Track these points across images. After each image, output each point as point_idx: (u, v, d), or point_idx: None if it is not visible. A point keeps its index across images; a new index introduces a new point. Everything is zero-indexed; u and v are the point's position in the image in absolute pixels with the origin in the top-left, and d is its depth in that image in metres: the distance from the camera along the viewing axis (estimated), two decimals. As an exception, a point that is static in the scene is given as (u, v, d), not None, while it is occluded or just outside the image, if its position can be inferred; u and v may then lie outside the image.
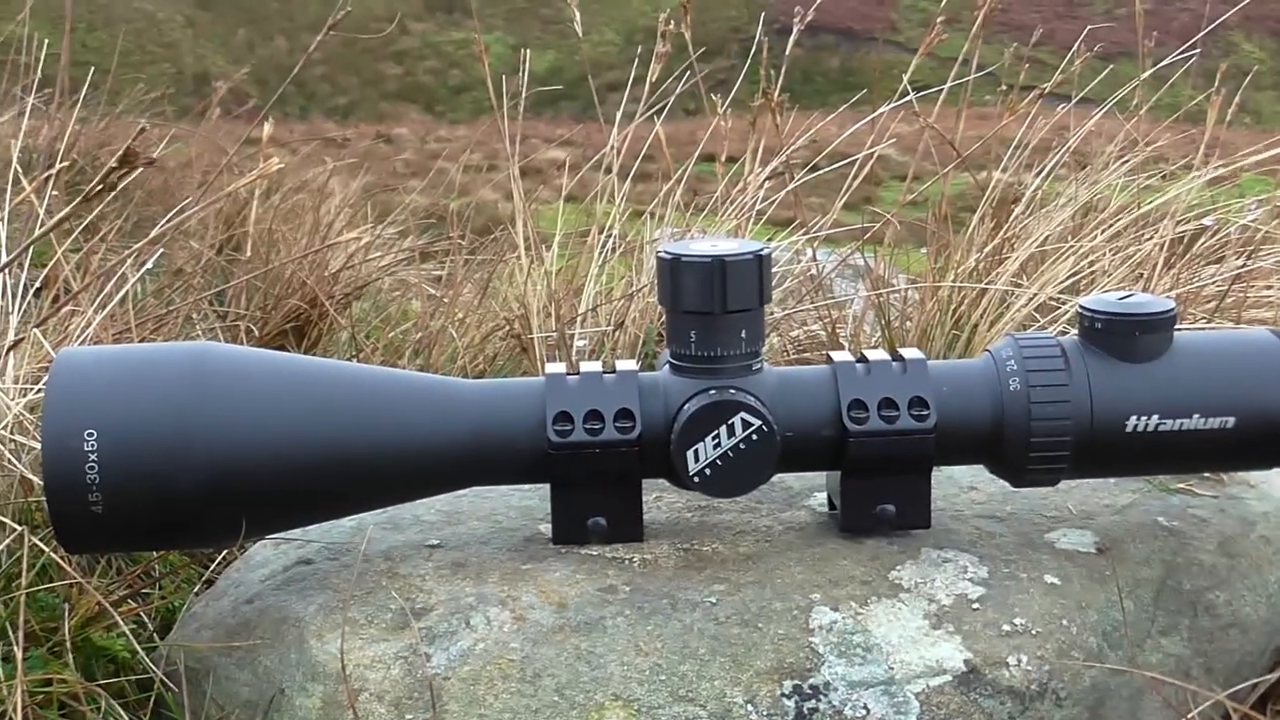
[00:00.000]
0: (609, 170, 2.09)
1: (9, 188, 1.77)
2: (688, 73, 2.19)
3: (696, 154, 2.26)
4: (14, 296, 1.57)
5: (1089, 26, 2.33)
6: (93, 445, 1.02)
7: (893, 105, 2.11)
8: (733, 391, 1.10)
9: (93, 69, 2.54)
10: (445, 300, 2.30)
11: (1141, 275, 1.90)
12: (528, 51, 2.21)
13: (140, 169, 1.21)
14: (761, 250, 1.11)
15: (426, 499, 1.23)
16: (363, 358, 2.07)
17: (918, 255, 2.21)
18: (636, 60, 2.18)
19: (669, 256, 1.11)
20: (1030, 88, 2.21)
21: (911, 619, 1.07)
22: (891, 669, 1.03)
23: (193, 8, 29.36)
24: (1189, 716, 1.06)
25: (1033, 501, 1.25)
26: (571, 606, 1.08)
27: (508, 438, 1.11)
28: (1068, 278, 1.83)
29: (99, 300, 1.66)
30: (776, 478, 1.18)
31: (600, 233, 2.08)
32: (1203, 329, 1.68)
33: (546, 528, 1.20)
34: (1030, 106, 2.15)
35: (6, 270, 1.56)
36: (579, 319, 1.91)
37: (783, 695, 1.01)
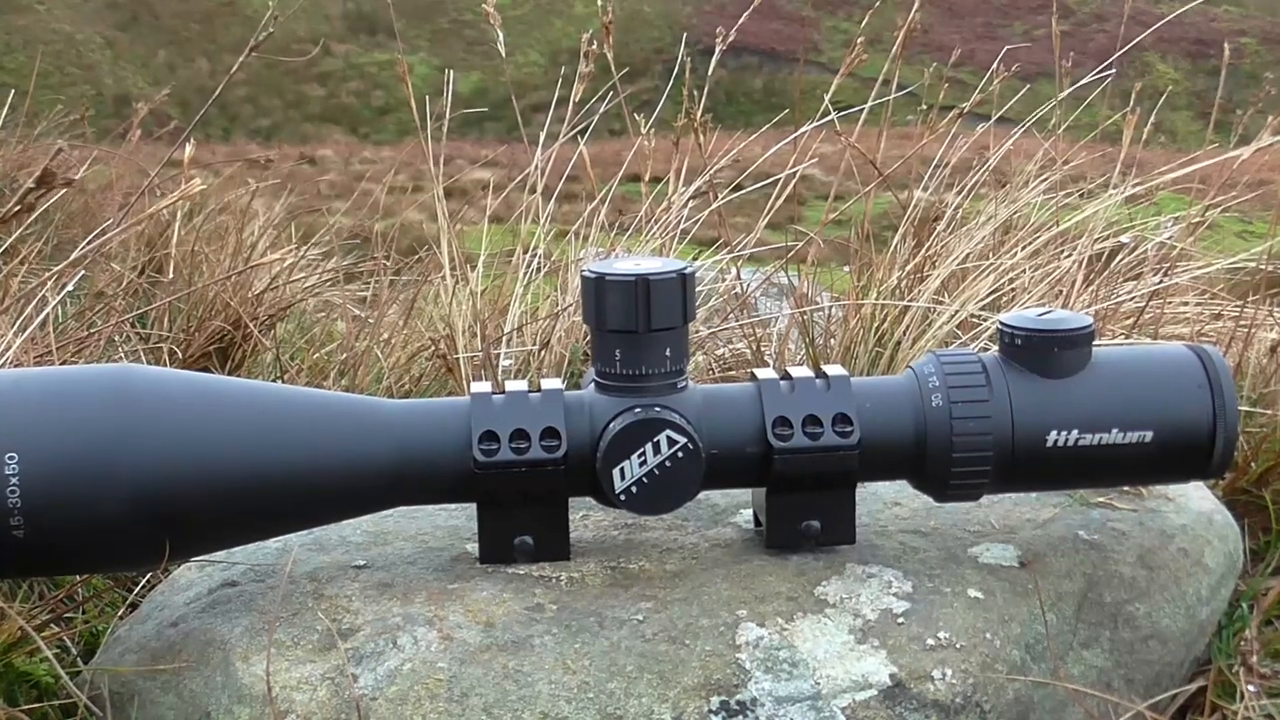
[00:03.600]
0: (534, 191, 2.09)
1: (-73, 210, 1.75)
2: (611, 93, 2.20)
3: (621, 174, 2.27)
4: (-68, 319, 1.56)
5: (1007, 47, 2.36)
6: (14, 468, 1.01)
7: (815, 125, 2.12)
8: (658, 409, 1.10)
9: (11, 91, 2.51)
10: (370, 321, 2.29)
11: (1060, 292, 1.92)
12: (451, 73, 2.21)
13: (59, 190, 1.21)
14: (685, 269, 1.11)
15: (353, 519, 1.23)
16: (287, 379, 2.06)
17: (841, 273, 2.23)
18: (560, 81, 2.19)
19: (593, 275, 1.11)
20: (950, 107, 2.24)
21: (837, 634, 1.07)
22: (818, 684, 1.03)
23: (112, 29, 29.11)
24: (1111, 727, 1.07)
25: (956, 516, 1.26)
26: (499, 625, 1.08)
27: (433, 457, 1.11)
28: (988, 295, 1.85)
29: (19, 323, 1.65)
30: (702, 495, 1.19)
31: (525, 253, 2.08)
32: (1121, 345, 1.70)
33: (473, 547, 1.20)
34: (950, 126, 2.18)
35: (-76, 293, 1.54)
36: (504, 339, 1.91)
37: (710, 712, 1.01)
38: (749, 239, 2.16)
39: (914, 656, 1.06)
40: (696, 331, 2.00)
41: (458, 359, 1.86)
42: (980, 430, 1.12)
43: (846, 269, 2.10)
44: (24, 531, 1.02)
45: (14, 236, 1.81)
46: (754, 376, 1.16)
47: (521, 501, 1.14)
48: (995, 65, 2.29)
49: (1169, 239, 2.19)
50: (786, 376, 1.15)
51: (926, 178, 2.16)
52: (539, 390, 1.13)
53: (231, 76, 1.92)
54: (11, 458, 1.01)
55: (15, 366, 1.53)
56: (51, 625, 1.24)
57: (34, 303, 1.69)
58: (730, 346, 2.08)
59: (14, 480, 1.01)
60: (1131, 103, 2.30)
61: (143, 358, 2.00)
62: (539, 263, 2.09)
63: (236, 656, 1.07)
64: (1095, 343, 1.15)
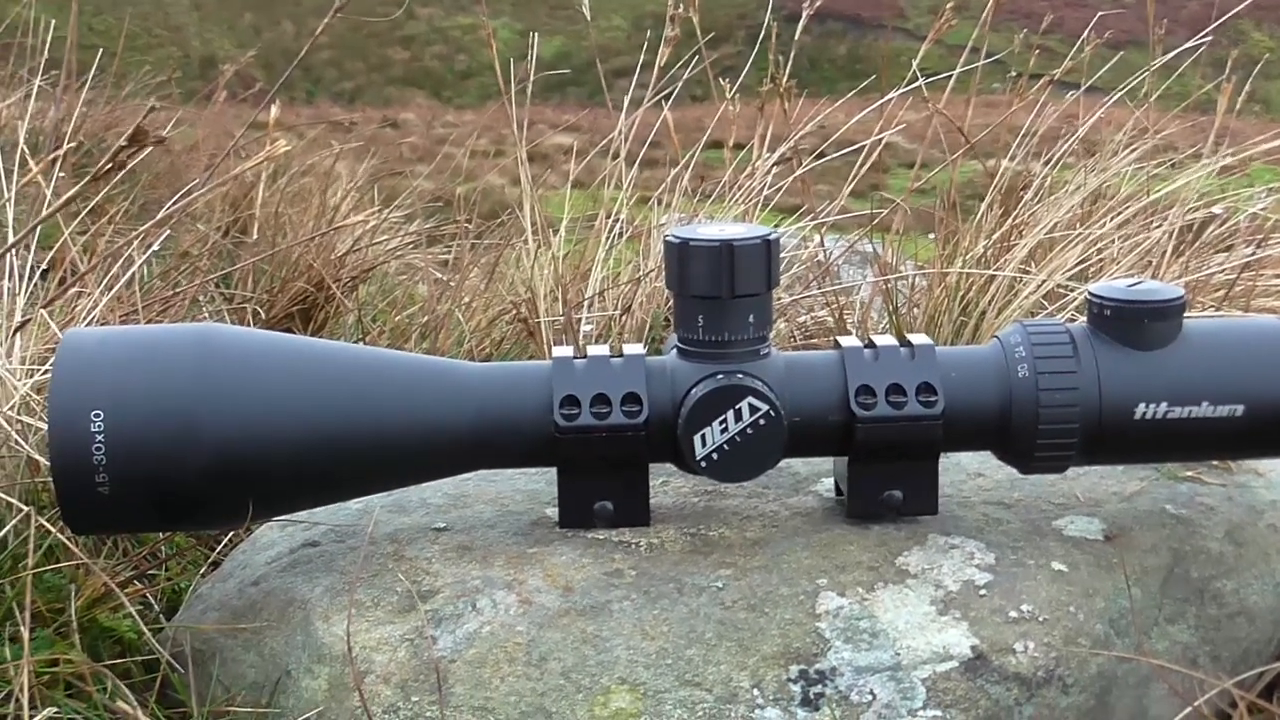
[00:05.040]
0: (616, 156, 2.09)
1: (16, 169, 1.77)
2: (695, 59, 2.18)
3: (704, 140, 2.26)
4: (21, 278, 1.57)
5: (1099, 14, 2.32)
6: (99, 426, 1.02)
7: (901, 92, 2.10)
8: (740, 376, 1.10)
9: (100, 51, 2.53)
10: (452, 284, 2.30)
11: (1150, 263, 1.89)
12: (535, 36, 2.21)
13: (149, 148, 1.21)
14: (769, 235, 1.10)
15: (433, 482, 1.23)
16: (369, 341, 2.07)
17: (925, 242, 2.21)
18: (644, 46, 2.18)
19: (677, 240, 1.10)
20: (1039, 75, 2.21)
21: (918, 605, 1.07)
22: (898, 655, 1.02)
23: (199, -8, 29.31)
24: (1196, 704, 1.06)
25: (1040, 488, 1.25)
26: (578, 590, 1.08)
27: (514, 421, 1.11)
28: (1076, 265, 1.83)
29: (105, 282, 1.66)
30: (783, 463, 1.18)
31: (607, 218, 2.07)
32: (1211, 317, 1.68)
33: (553, 511, 1.20)
34: (1039, 94, 2.15)
35: (14, 251, 1.56)
36: (586, 303, 1.91)
37: (789, 680, 1.01)
38: (832, 206, 2.15)
39: (996, 629, 1.05)
40: (779, 299, 1.99)
41: (539, 323, 1.86)
42: (1067, 402, 1.10)
43: (931, 237, 2.08)
44: (108, 488, 1.03)
45: (101, 195, 1.82)
46: (837, 344, 1.15)
47: (601, 467, 1.13)
48: (1086, 33, 2.25)
49: (1261, 210, 2.15)
50: (870, 345, 1.14)
51: (1014, 147, 2.13)
52: (621, 355, 1.13)
53: (316, 39, 1.92)
54: (97, 415, 1.02)
55: (101, 325, 1.55)
56: (135, 582, 1.25)
57: (120, 262, 1.71)
58: (812, 314, 2.07)
59: (99, 438, 1.02)
60: (1225, 71, 2.26)
61: (226, 318, 2.02)
62: (621, 228, 2.09)
63: (317, 616, 1.07)
64: (1185, 315, 1.13)
